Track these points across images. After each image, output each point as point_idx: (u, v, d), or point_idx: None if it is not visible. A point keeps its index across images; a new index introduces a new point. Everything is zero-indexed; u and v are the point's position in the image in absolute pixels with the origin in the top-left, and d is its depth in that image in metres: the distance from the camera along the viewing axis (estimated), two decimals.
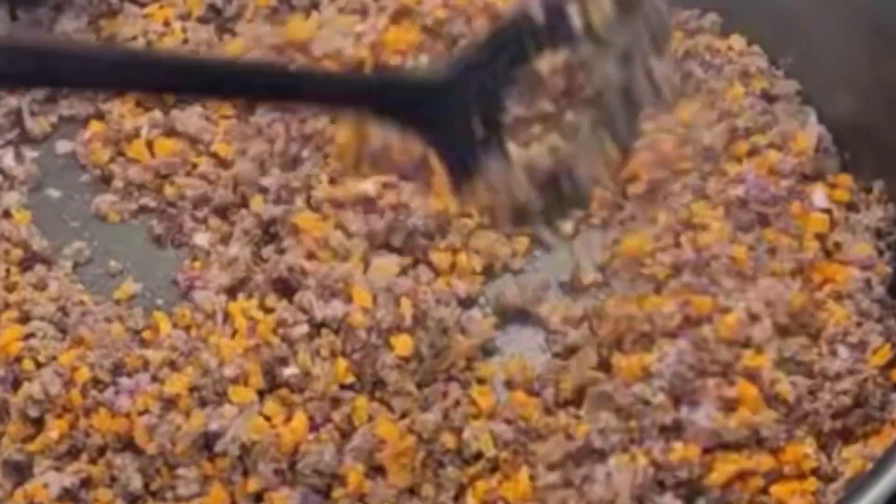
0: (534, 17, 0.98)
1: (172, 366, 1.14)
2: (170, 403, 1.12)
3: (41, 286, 1.21)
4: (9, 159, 1.29)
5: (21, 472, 1.12)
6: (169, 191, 1.26)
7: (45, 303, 1.19)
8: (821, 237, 1.22)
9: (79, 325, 1.17)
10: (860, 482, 0.99)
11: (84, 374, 1.13)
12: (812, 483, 1.11)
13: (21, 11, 1.34)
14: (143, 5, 1.36)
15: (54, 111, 1.32)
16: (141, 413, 1.11)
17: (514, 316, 1.21)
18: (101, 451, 1.12)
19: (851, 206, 1.25)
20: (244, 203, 1.24)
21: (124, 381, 1.13)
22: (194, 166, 1.26)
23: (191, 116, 1.27)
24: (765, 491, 1.10)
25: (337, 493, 1.10)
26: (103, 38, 1.34)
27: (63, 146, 1.31)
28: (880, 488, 0.97)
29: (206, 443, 1.11)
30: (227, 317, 1.17)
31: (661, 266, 1.18)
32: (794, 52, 1.31)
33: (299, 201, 1.23)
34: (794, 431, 1.12)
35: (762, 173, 1.23)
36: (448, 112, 0.97)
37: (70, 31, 1.34)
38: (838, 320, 1.17)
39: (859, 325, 1.17)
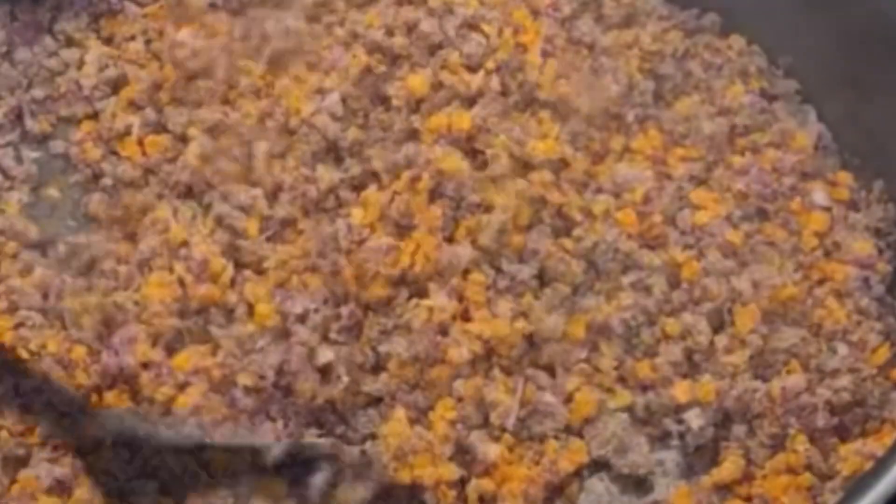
0: None
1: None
2: None
3: (26, 273, 1.20)
4: (9, 159, 1.29)
5: (20, 466, 1.11)
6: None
7: (31, 290, 1.18)
8: (820, 235, 1.21)
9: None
10: (860, 482, 0.99)
11: (79, 351, 1.14)
12: (807, 479, 1.11)
13: (20, 11, 1.34)
14: (142, 5, 1.35)
15: (54, 111, 1.32)
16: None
17: None
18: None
19: (851, 205, 1.25)
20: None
21: (115, 339, 1.14)
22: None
23: (182, 113, 1.27)
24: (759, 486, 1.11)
25: None
26: (103, 38, 1.34)
27: (58, 146, 1.30)
28: (881, 488, 0.96)
29: None
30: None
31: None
32: (793, 52, 1.31)
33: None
34: (788, 426, 1.12)
35: (765, 167, 1.23)
36: None
37: (70, 30, 1.34)
38: (837, 318, 1.17)
39: (858, 323, 1.17)
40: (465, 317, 1.16)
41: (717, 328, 1.17)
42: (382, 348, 1.15)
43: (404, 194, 1.20)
